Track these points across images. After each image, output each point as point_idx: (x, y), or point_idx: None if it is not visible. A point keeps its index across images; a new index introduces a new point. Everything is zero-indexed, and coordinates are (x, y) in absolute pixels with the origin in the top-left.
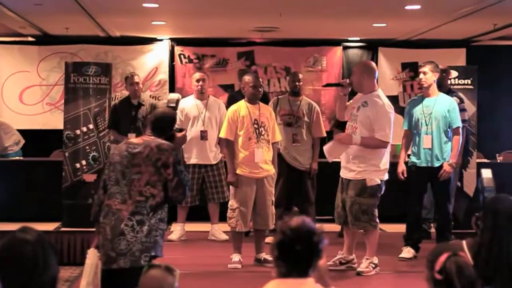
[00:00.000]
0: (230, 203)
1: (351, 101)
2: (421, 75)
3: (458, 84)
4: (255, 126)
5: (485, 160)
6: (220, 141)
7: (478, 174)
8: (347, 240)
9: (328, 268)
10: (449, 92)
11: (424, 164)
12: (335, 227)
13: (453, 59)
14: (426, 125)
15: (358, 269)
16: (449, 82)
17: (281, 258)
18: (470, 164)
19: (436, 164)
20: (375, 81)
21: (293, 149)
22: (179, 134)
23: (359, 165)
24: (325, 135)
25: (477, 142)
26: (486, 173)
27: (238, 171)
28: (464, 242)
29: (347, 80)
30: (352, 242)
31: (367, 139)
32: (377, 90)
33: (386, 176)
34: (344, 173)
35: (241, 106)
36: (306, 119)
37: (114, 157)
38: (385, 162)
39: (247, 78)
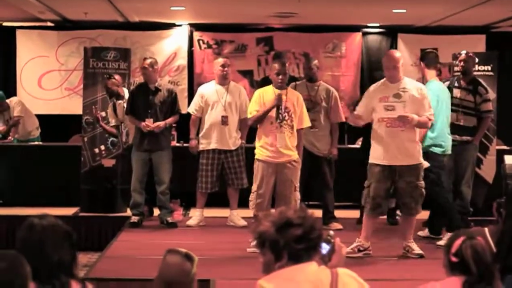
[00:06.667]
0: (252, 186)
1: (364, 98)
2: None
3: (478, 71)
4: (279, 110)
5: (505, 147)
6: (243, 123)
7: (500, 161)
8: (369, 229)
9: (345, 255)
10: (473, 80)
11: None
12: (354, 214)
13: (473, 46)
14: None
15: (420, 252)
16: None
17: (292, 246)
18: (490, 150)
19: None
20: None
21: (311, 135)
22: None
23: (416, 148)
24: (343, 120)
25: (496, 129)
26: (510, 160)
27: (258, 156)
28: (486, 229)
29: None
30: (371, 231)
31: (423, 119)
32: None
33: None
34: (397, 160)
35: (268, 91)
36: (324, 104)
37: None
38: None
39: (273, 65)
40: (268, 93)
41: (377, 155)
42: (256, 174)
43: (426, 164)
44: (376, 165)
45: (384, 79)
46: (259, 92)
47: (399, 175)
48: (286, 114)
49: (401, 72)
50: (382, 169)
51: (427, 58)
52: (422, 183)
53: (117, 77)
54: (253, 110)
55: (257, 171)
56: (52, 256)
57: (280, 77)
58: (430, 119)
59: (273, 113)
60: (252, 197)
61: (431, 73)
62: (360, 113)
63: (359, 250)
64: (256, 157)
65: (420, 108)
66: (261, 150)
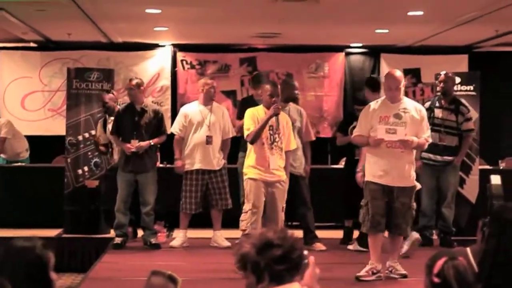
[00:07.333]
0: (244, 206)
1: (362, 118)
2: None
3: (461, 91)
4: (270, 132)
5: (488, 167)
6: (224, 144)
7: (485, 181)
8: (377, 248)
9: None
10: (455, 100)
11: None
12: (337, 234)
13: (455, 65)
14: None
15: (403, 272)
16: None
17: (272, 267)
18: (473, 170)
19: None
20: None
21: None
22: None
23: (412, 171)
24: (314, 138)
25: (479, 148)
26: (495, 180)
27: (250, 175)
28: (468, 249)
29: None
30: (380, 250)
31: (422, 141)
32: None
33: None
34: (395, 181)
35: (259, 110)
36: (298, 124)
37: None
38: None
39: (266, 86)
40: (260, 113)
41: (375, 174)
42: (249, 193)
43: (418, 186)
44: (374, 183)
45: (383, 98)
46: (251, 110)
47: (396, 196)
48: (276, 135)
49: (402, 92)
50: (381, 188)
51: (371, 84)
52: (414, 204)
53: (115, 93)
54: (250, 126)
55: (249, 190)
56: (28, 278)
57: (274, 98)
58: (427, 141)
59: (265, 134)
60: (244, 216)
61: (374, 97)
62: (363, 133)
63: (373, 273)
64: (247, 176)
65: (420, 130)
66: (252, 169)
